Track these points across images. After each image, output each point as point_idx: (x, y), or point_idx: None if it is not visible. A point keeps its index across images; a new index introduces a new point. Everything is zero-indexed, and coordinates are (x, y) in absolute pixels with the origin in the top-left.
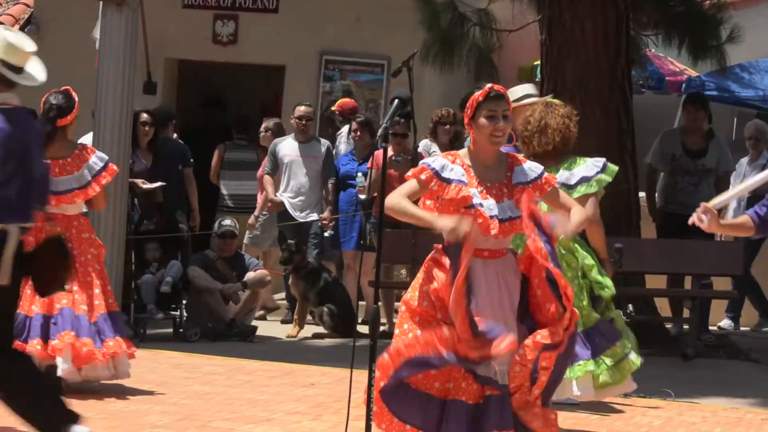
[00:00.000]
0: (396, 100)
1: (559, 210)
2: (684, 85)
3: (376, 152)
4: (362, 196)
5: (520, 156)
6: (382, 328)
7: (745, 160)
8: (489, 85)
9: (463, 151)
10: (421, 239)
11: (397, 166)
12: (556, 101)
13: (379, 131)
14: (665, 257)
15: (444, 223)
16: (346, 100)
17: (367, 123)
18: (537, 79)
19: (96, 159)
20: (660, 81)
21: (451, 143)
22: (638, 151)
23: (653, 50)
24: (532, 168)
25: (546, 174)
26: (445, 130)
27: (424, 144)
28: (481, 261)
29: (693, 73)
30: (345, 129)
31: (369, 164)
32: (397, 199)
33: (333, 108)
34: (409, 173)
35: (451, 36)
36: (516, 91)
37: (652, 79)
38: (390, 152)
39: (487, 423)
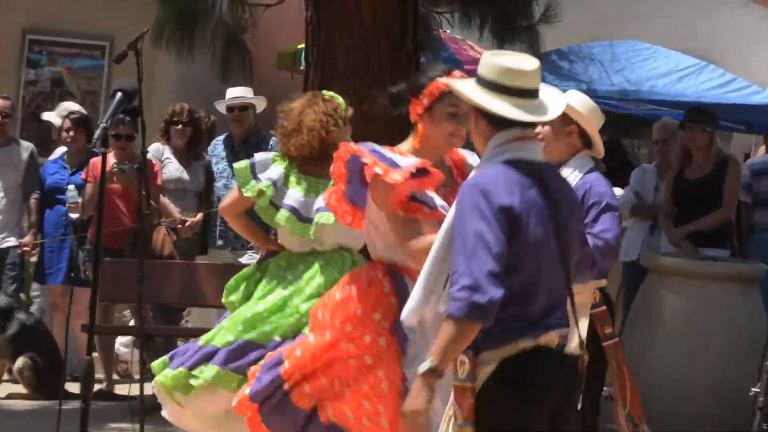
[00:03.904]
0: (119, 94)
1: None
2: None
3: (93, 159)
4: (74, 216)
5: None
6: (98, 386)
7: (649, 168)
8: (459, 73)
9: (407, 147)
10: (150, 272)
11: (121, 176)
12: (326, 93)
13: (97, 132)
14: None
15: None
16: None
17: (84, 121)
18: (302, 67)
19: None
20: (457, 69)
21: (189, 147)
22: None
23: (448, 32)
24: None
25: None
26: (179, 130)
27: (154, 148)
28: None
29: None
30: None
31: (84, 174)
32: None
33: None
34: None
35: (191, 12)
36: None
37: None
38: (111, 159)
39: None
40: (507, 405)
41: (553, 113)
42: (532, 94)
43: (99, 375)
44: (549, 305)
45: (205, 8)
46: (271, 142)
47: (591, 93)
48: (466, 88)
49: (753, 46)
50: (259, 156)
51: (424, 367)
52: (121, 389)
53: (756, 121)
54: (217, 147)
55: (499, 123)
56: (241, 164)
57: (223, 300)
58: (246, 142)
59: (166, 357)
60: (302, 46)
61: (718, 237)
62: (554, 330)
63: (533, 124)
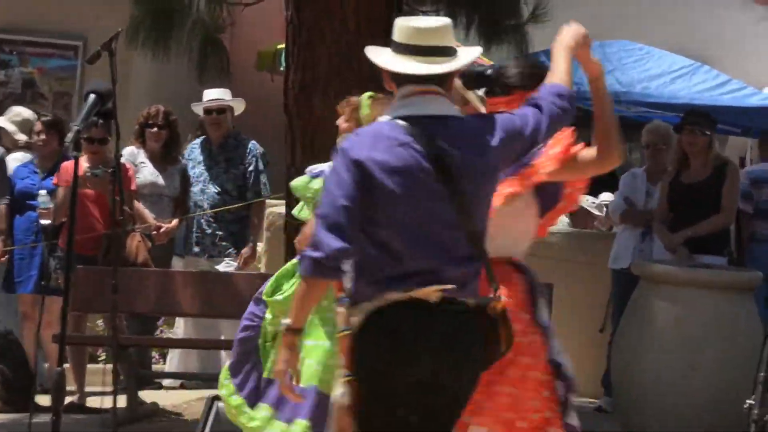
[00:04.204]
0: (92, 95)
1: None
2: None
3: (65, 163)
4: (46, 222)
5: None
6: (69, 399)
7: (639, 172)
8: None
9: None
10: (124, 280)
11: (94, 181)
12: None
13: (69, 135)
14: None
15: None
16: None
17: (55, 124)
18: (282, 68)
19: None
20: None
21: (164, 151)
22: None
23: None
24: None
25: None
26: (154, 133)
27: (128, 152)
28: None
29: (485, 62)
30: None
31: (55, 179)
32: None
33: None
34: None
35: (167, 10)
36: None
37: None
38: (84, 163)
39: None
40: (378, 354)
41: (451, 66)
42: (442, 51)
43: (70, 387)
44: (434, 261)
45: (181, 7)
46: (249, 146)
47: (581, 95)
48: (377, 52)
49: (751, 47)
50: (323, 168)
51: (282, 325)
52: (93, 401)
53: (752, 123)
54: (193, 151)
55: (398, 80)
56: (315, 184)
57: (265, 298)
58: (224, 145)
59: (269, 408)
60: (282, 46)
61: (715, 244)
62: (434, 285)
63: (436, 80)
